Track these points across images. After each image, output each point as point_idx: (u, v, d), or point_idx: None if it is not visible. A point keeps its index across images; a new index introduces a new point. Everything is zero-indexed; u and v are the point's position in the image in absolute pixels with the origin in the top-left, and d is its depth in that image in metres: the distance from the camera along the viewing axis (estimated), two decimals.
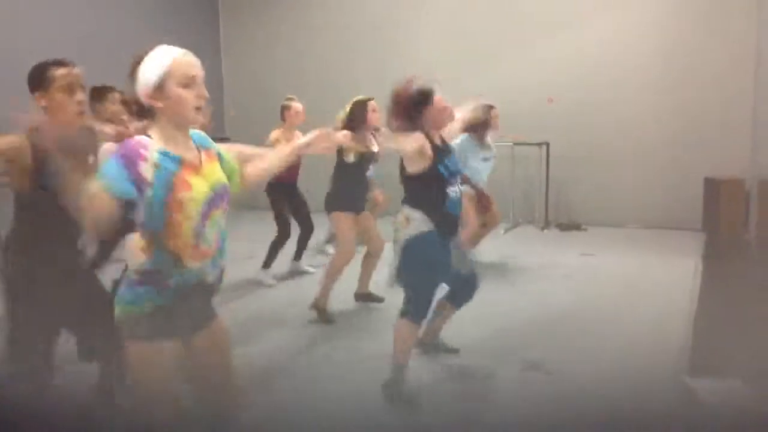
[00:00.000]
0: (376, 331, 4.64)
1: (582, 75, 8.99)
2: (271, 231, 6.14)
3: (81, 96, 2.77)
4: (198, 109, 2.10)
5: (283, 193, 6.10)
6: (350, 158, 5.00)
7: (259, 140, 5.79)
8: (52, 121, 2.71)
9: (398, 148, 3.60)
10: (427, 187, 3.57)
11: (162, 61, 2.05)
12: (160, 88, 2.05)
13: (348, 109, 5.06)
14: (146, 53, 2.08)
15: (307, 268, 6.53)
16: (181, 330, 2.20)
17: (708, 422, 3.36)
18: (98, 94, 4.54)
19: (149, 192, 2.03)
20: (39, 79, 2.73)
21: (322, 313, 5.05)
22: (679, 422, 3.34)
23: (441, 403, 3.60)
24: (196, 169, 2.13)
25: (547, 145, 9.05)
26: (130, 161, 1.99)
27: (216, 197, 2.17)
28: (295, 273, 6.47)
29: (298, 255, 6.49)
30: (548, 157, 9.09)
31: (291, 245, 6.30)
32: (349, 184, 5.09)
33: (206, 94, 2.12)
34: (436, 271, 3.64)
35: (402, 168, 3.67)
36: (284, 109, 6.11)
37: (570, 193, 9.38)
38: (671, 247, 7.61)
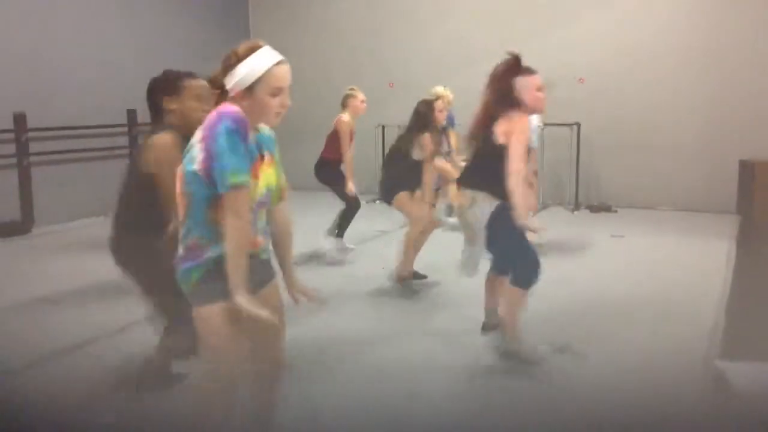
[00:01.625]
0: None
1: (614, 55, 8.86)
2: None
3: (207, 106, 3.00)
4: (278, 114, 2.20)
5: (336, 170, 6.27)
6: (419, 156, 5.26)
7: (290, 129, 5.91)
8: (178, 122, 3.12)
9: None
10: (502, 167, 3.56)
11: (258, 67, 2.13)
12: (250, 90, 2.14)
13: (415, 110, 5.37)
14: (249, 51, 2.15)
15: (349, 245, 6.50)
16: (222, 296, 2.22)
17: (738, 406, 3.33)
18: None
19: None
20: (173, 86, 3.17)
21: (410, 277, 5.33)
22: (708, 405, 3.33)
23: (471, 386, 3.63)
24: (258, 165, 2.22)
25: (578, 125, 8.96)
26: (244, 138, 2.11)
27: (266, 197, 2.28)
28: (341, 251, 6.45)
29: (340, 232, 6.46)
30: (579, 138, 9.00)
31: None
32: (404, 169, 5.33)
33: (289, 102, 2.21)
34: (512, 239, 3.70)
35: (486, 143, 3.67)
36: (349, 98, 6.26)
37: (601, 174, 9.28)
38: (704, 229, 7.51)
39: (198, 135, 2.16)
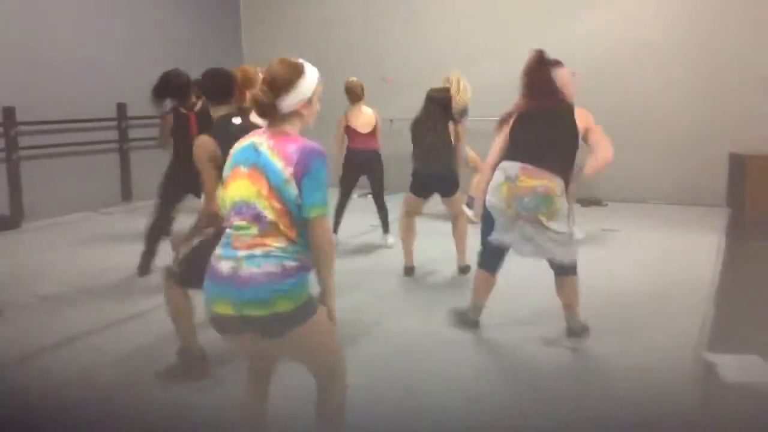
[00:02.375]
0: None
1: (605, 50, 8.87)
2: None
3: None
4: None
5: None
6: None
7: None
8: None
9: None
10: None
11: (314, 78, 2.36)
12: (310, 100, 2.35)
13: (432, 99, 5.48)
14: (301, 67, 2.34)
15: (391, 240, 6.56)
16: None
17: (727, 398, 3.35)
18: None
19: None
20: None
21: (468, 269, 5.40)
22: (698, 397, 3.35)
23: (461, 379, 3.63)
24: None
25: None
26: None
27: None
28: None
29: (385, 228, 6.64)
30: None
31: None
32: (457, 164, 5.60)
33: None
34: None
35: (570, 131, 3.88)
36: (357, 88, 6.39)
37: None
38: (694, 223, 7.54)
39: (286, 156, 2.23)
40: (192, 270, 3.26)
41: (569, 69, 3.95)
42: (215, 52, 9.74)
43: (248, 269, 2.17)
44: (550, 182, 3.70)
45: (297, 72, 2.31)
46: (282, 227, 2.21)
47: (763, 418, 3.13)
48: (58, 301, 4.95)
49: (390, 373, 3.66)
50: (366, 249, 6.44)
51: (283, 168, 2.20)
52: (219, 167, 2.88)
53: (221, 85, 3.58)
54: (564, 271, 3.93)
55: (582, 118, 3.89)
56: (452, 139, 5.44)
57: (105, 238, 7.00)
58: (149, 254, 5.46)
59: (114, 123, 8.90)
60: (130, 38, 9.06)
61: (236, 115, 3.50)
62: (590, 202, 8.92)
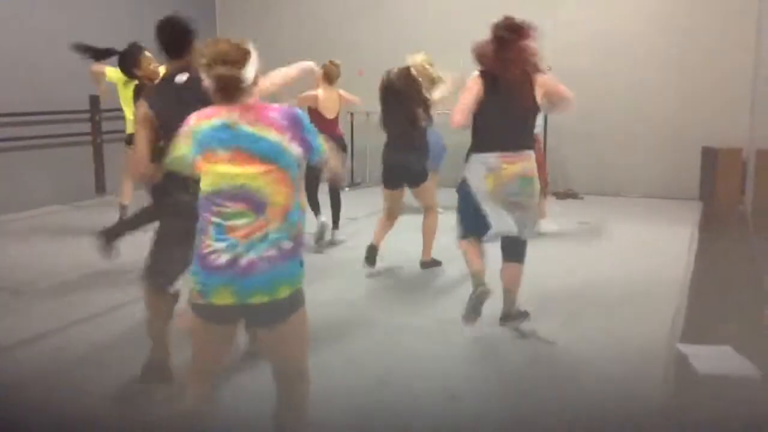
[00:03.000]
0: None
1: (580, 44, 8.90)
2: None
3: None
4: None
5: None
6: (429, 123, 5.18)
7: None
8: None
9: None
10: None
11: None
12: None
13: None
14: (246, 42, 2.28)
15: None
16: None
17: (699, 388, 3.40)
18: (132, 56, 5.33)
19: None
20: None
21: (432, 263, 5.42)
22: (670, 388, 3.38)
23: (441, 373, 3.64)
24: None
25: (545, 113, 9.01)
26: None
27: None
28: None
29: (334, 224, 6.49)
30: (546, 126, 9.05)
31: None
32: (427, 149, 5.31)
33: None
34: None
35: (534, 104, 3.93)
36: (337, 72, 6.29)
37: (567, 161, 9.35)
38: (668, 216, 7.62)
39: (272, 124, 2.20)
40: (157, 268, 3.23)
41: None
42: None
43: (249, 257, 2.12)
44: (529, 162, 3.85)
45: (244, 46, 2.27)
46: (282, 201, 2.16)
47: (735, 409, 3.17)
48: (30, 295, 4.89)
49: (368, 367, 3.65)
50: (345, 242, 6.41)
51: (277, 135, 2.18)
52: (154, 129, 3.03)
53: (170, 37, 3.25)
54: (518, 257, 4.06)
55: (540, 84, 3.97)
56: (422, 124, 5.10)
57: (78, 231, 6.89)
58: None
59: (87, 115, 8.74)
60: (104, 29, 8.90)
61: (184, 71, 3.14)
62: (566, 195, 8.98)
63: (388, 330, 4.17)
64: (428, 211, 5.40)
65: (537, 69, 3.92)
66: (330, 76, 6.23)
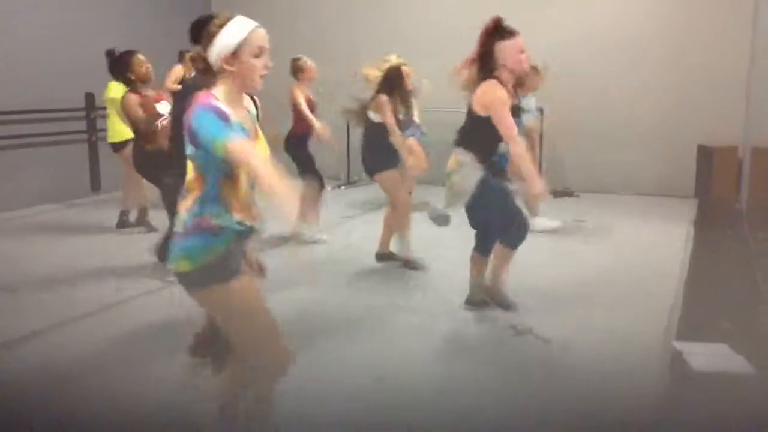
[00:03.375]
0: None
1: (576, 41, 8.90)
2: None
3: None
4: (262, 76, 2.29)
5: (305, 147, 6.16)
6: (377, 118, 5.22)
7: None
8: None
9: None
10: (484, 133, 3.79)
11: (241, 31, 2.24)
12: (235, 54, 2.23)
13: (383, 74, 5.27)
14: (226, 20, 2.26)
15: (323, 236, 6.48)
16: (241, 265, 2.35)
17: (695, 386, 3.40)
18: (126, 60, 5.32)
19: None
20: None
21: (387, 257, 5.46)
22: (666, 385, 3.39)
23: (433, 367, 3.64)
24: (254, 139, 2.34)
25: (541, 111, 9.00)
26: (225, 117, 2.16)
27: None
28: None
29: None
30: (542, 124, 9.06)
31: None
32: (384, 143, 5.24)
33: (271, 63, 2.30)
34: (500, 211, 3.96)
35: (470, 108, 3.87)
36: (300, 69, 6.16)
37: (563, 159, 9.35)
38: (663, 213, 7.63)
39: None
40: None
41: (520, 40, 3.88)
42: (187, 40, 9.56)
43: (175, 230, 2.33)
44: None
45: (218, 24, 2.25)
46: (192, 186, 2.25)
47: (730, 406, 3.17)
48: (26, 294, 4.87)
49: (362, 365, 3.65)
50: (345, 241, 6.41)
51: (186, 123, 2.22)
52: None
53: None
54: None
55: (479, 96, 3.85)
56: (374, 119, 5.24)
57: (73, 229, 6.88)
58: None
59: (82, 113, 8.71)
60: (101, 26, 8.87)
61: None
62: (562, 193, 8.99)
63: (382, 327, 4.17)
64: (390, 204, 5.47)
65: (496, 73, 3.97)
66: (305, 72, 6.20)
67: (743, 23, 8.25)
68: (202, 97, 2.21)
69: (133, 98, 5.23)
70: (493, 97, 3.76)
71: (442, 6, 9.54)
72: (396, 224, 5.41)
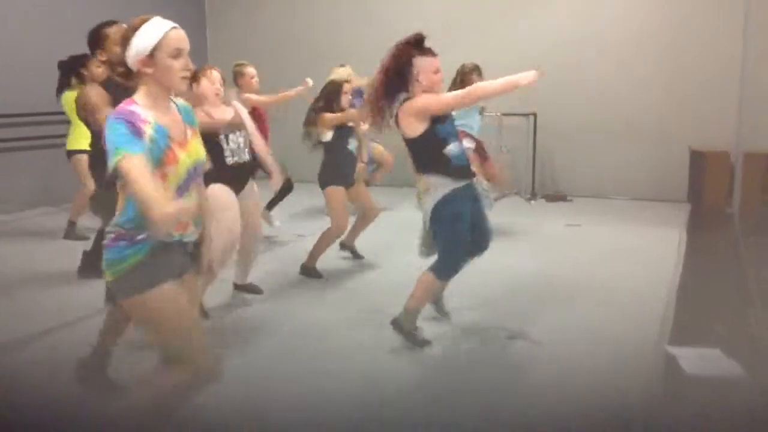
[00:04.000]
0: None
1: (569, 46, 8.93)
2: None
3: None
4: (184, 78, 2.27)
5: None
6: (327, 137, 5.21)
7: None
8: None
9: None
10: (429, 148, 3.68)
11: (156, 32, 2.22)
12: (151, 56, 2.21)
13: (322, 89, 5.30)
14: (141, 22, 2.24)
15: (275, 222, 6.70)
16: (168, 275, 2.30)
17: (687, 391, 3.41)
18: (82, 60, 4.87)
19: None
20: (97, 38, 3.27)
21: (312, 272, 5.32)
22: (659, 390, 3.39)
23: (428, 374, 3.63)
24: (182, 144, 2.29)
25: (535, 116, 9.03)
26: (135, 128, 2.13)
27: (195, 172, 2.36)
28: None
29: (270, 206, 6.60)
30: (535, 128, 9.08)
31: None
32: (335, 160, 5.27)
33: (191, 65, 2.29)
34: (464, 231, 3.77)
35: (403, 135, 3.76)
36: (238, 75, 6.00)
37: (556, 164, 9.39)
38: (656, 218, 7.66)
39: None
40: None
41: (437, 61, 3.73)
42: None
43: None
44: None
45: (133, 26, 2.24)
46: (120, 191, 2.26)
47: (723, 411, 3.18)
48: (21, 296, 4.87)
49: (349, 366, 3.65)
50: None
51: None
52: None
53: None
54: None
55: (402, 119, 3.72)
56: (316, 132, 5.25)
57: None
58: None
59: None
60: (88, 27, 8.80)
61: None
62: (555, 197, 9.01)
63: (369, 328, 4.17)
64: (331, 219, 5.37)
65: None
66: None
67: (735, 28, 8.28)
68: (122, 105, 2.20)
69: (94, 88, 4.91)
70: (414, 106, 3.64)
71: (438, 7, 9.55)
72: (325, 238, 5.32)
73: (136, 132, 2.12)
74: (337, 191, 5.22)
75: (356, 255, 5.79)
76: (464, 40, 9.05)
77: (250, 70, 5.99)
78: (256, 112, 5.80)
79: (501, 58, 9.08)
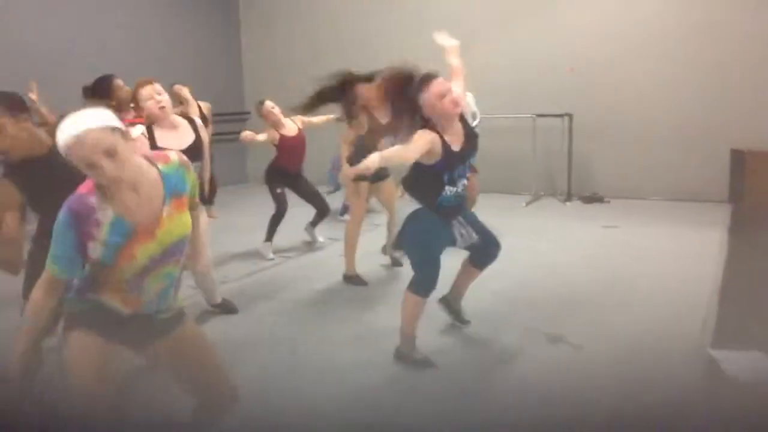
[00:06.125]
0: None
1: (604, 43, 8.85)
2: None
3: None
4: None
5: (282, 179, 6.29)
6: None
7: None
8: None
9: (402, 160, 3.43)
10: (426, 180, 3.55)
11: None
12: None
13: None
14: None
15: (319, 237, 6.79)
16: (130, 341, 2.20)
17: (730, 394, 3.34)
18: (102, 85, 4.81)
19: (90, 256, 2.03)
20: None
21: (354, 280, 5.33)
22: (701, 393, 3.33)
23: (467, 377, 3.62)
24: (151, 231, 2.06)
25: (570, 116, 8.95)
26: (80, 234, 1.98)
27: (166, 255, 2.12)
28: (308, 240, 6.79)
29: (313, 224, 6.71)
30: (571, 129, 9.00)
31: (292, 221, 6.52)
32: (361, 155, 5.20)
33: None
34: (434, 247, 3.64)
35: None
36: (258, 110, 6.29)
37: (593, 165, 9.29)
38: (696, 219, 7.52)
39: None
40: None
41: (440, 82, 3.45)
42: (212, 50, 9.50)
43: None
44: None
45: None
46: None
47: (766, 415, 3.11)
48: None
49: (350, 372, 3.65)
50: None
51: None
52: None
53: None
54: None
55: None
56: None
57: None
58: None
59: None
60: (105, 32, 8.87)
61: None
62: (591, 198, 8.91)
63: (369, 334, 4.17)
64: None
65: None
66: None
67: None
68: (80, 190, 2.02)
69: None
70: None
71: (469, 7, 9.52)
72: (351, 238, 5.38)
73: (78, 243, 1.98)
74: (359, 186, 5.25)
75: (396, 263, 5.74)
76: (495, 40, 9.02)
77: (267, 104, 6.19)
78: (286, 143, 6.12)
79: (533, 57, 9.07)
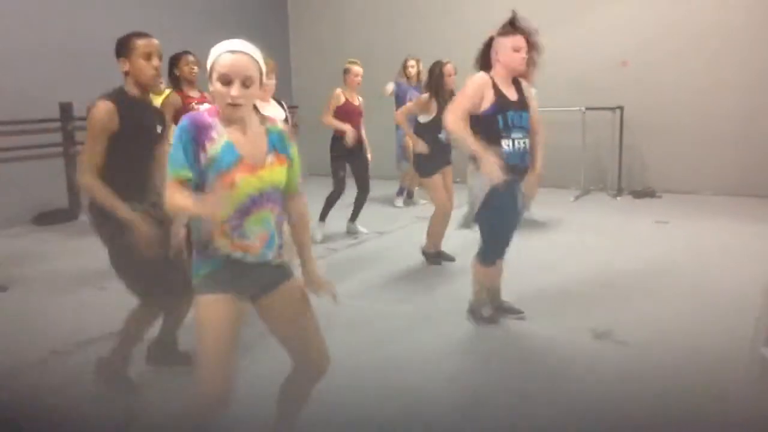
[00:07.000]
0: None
1: (657, 37, 8.68)
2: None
3: (156, 62, 3.08)
4: (228, 104, 2.17)
5: (345, 151, 6.37)
6: (425, 119, 5.38)
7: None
8: (131, 83, 3.06)
9: (462, 107, 3.70)
10: (483, 130, 3.68)
11: (210, 57, 2.21)
12: (210, 79, 2.21)
13: (429, 71, 5.47)
14: None
15: (361, 229, 6.83)
16: (244, 290, 2.29)
17: None
18: (175, 59, 4.99)
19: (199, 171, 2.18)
20: (123, 47, 3.05)
21: (434, 257, 5.54)
22: (754, 393, 3.27)
23: (513, 371, 3.62)
24: (253, 168, 2.21)
25: (621, 109, 8.80)
26: (196, 142, 2.15)
27: (263, 197, 2.25)
28: (351, 234, 6.81)
29: (353, 217, 6.79)
30: (622, 122, 8.85)
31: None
32: (428, 145, 5.40)
33: (237, 93, 2.16)
34: (508, 217, 3.84)
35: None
36: (345, 72, 6.41)
37: (644, 159, 9.11)
38: (748, 214, 7.34)
39: None
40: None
41: (520, 39, 3.76)
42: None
43: None
44: None
45: None
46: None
47: None
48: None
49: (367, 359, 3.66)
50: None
51: None
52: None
53: None
54: None
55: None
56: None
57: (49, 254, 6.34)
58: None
59: (58, 125, 7.89)
60: (155, 27, 8.93)
61: None
62: (642, 193, 8.75)
63: (387, 321, 4.21)
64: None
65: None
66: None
67: None
68: (204, 112, 2.26)
69: (175, 97, 4.87)
70: (465, 86, 3.76)
71: (523, 3, 9.41)
72: (437, 225, 5.52)
73: (194, 148, 2.15)
74: (432, 180, 5.42)
75: (446, 257, 5.63)
76: (550, 34, 8.88)
77: (355, 69, 6.34)
78: (349, 108, 6.33)
79: (587, 50, 8.93)
